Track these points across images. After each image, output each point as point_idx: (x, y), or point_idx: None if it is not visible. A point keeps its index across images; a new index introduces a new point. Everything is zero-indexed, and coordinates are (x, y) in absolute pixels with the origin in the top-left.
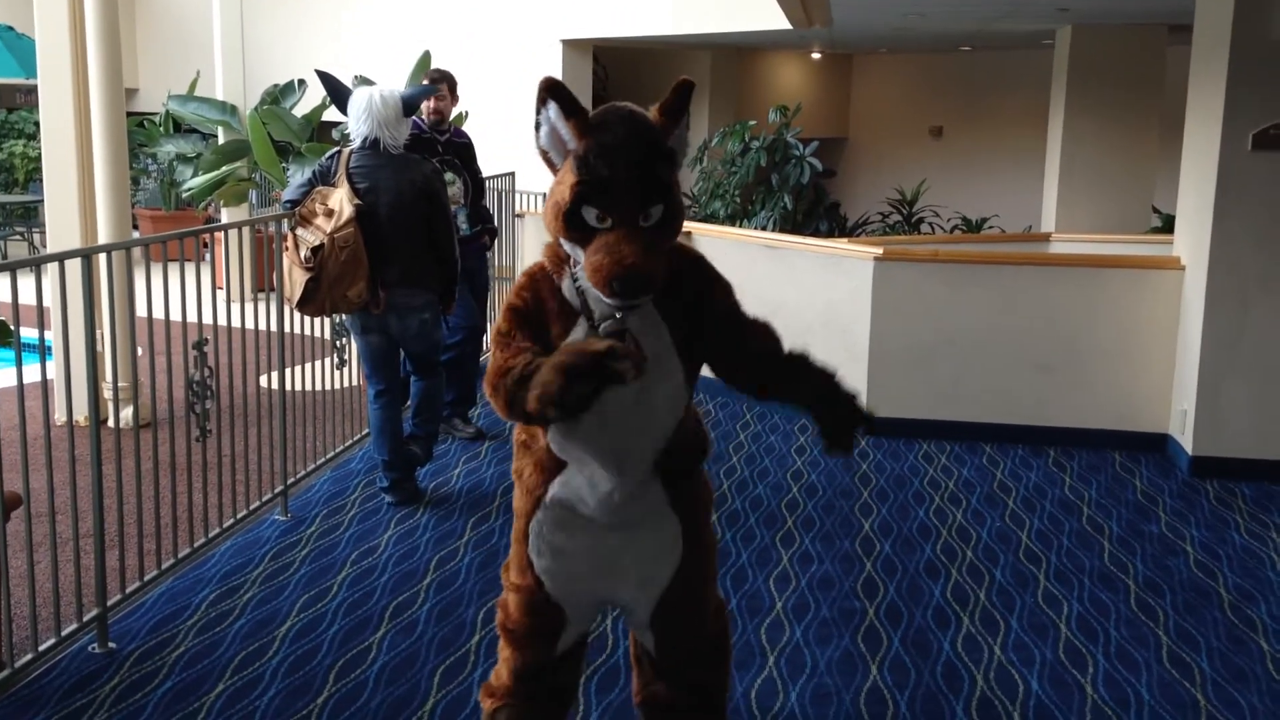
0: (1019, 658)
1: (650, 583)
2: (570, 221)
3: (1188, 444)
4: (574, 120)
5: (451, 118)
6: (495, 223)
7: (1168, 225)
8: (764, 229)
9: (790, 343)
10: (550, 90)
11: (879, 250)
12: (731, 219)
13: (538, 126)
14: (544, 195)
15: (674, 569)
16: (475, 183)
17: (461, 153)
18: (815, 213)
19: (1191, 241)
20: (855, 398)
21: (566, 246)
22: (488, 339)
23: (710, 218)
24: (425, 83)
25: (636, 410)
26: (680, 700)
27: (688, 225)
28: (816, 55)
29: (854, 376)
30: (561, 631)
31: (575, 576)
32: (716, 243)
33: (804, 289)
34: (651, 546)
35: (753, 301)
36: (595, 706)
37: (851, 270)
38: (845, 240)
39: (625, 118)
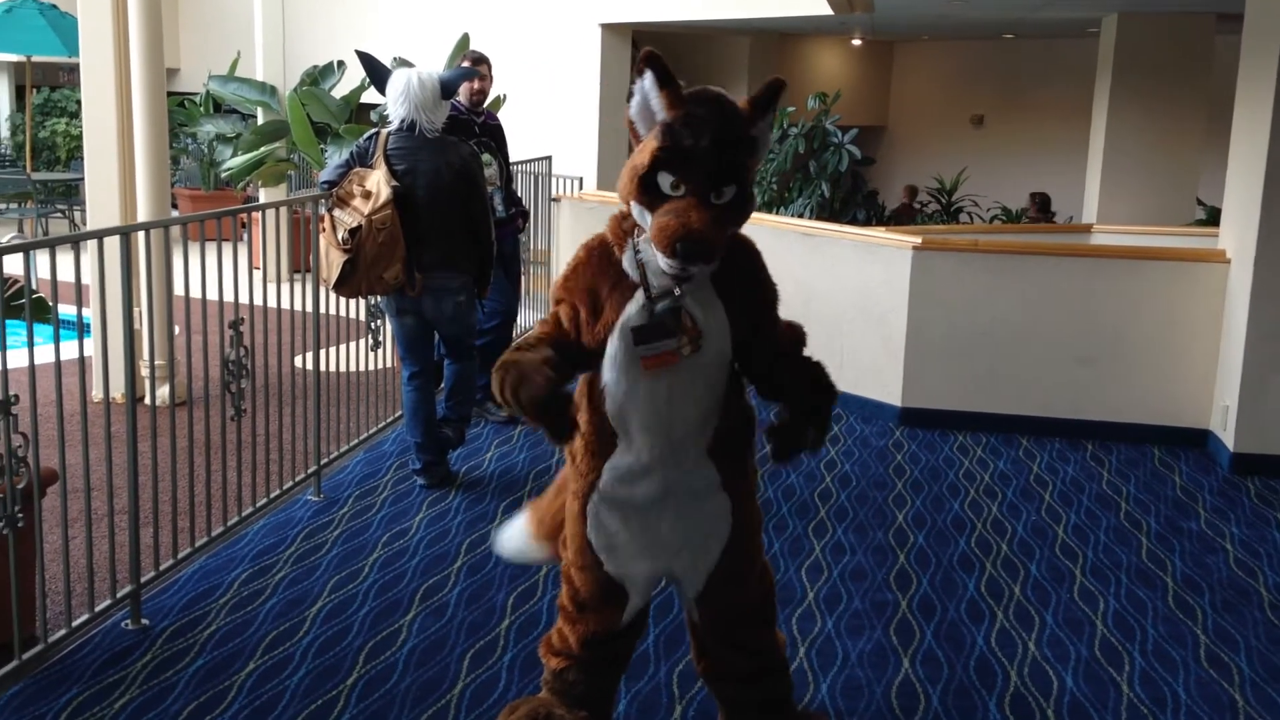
0: (1054, 654)
1: (702, 559)
2: (645, 185)
3: (1229, 440)
4: (667, 91)
5: (487, 101)
6: (526, 205)
7: (1212, 218)
8: (801, 217)
9: (815, 348)
10: (649, 60)
11: (917, 239)
12: (768, 206)
13: (630, 95)
14: (579, 181)
15: (723, 545)
16: (506, 166)
17: (495, 135)
18: (853, 201)
19: (1238, 234)
20: (825, 426)
21: (635, 212)
22: (521, 323)
23: None
24: (465, 64)
25: (689, 386)
26: (737, 663)
27: None
28: (857, 42)
29: (890, 366)
30: (625, 604)
31: (631, 556)
32: (752, 230)
33: (840, 278)
34: (702, 525)
35: (789, 289)
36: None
37: (889, 259)
38: (883, 229)
39: (715, 98)
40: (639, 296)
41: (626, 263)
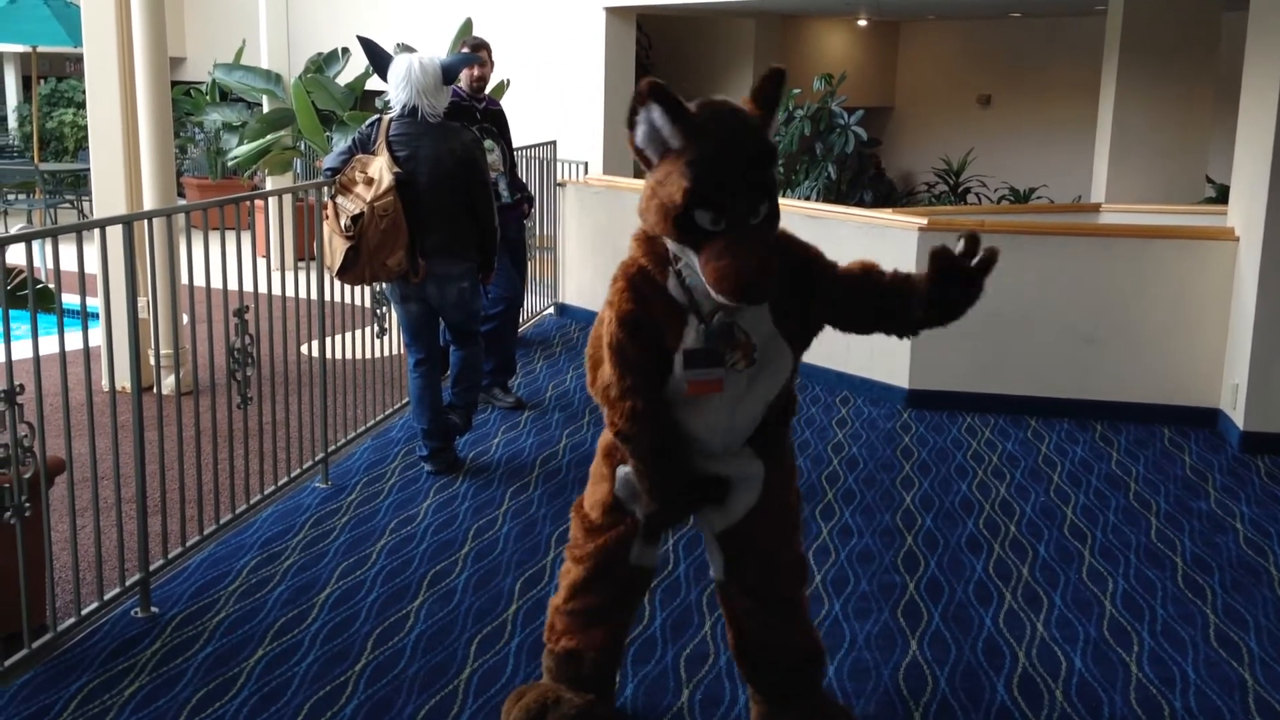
0: (1062, 635)
1: (731, 508)
2: (681, 224)
3: (1239, 419)
4: (680, 125)
5: (490, 87)
6: (531, 191)
7: (1222, 196)
8: (807, 199)
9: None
10: (652, 93)
11: (924, 220)
12: None
13: (633, 125)
14: (584, 165)
15: (750, 506)
16: (509, 152)
17: (498, 121)
18: (859, 182)
19: (1246, 212)
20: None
21: (673, 246)
22: (527, 308)
23: None
24: (464, 50)
25: (747, 392)
26: (769, 646)
27: None
28: (862, 22)
29: (897, 348)
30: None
31: None
32: None
33: (847, 259)
34: (739, 471)
35: None
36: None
37: (896, 240)
38: (889, 210)
39: (728, 118)
40: (693, 321)
41: (673, 288)
